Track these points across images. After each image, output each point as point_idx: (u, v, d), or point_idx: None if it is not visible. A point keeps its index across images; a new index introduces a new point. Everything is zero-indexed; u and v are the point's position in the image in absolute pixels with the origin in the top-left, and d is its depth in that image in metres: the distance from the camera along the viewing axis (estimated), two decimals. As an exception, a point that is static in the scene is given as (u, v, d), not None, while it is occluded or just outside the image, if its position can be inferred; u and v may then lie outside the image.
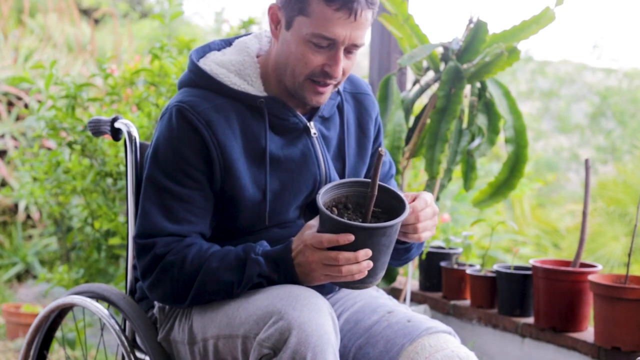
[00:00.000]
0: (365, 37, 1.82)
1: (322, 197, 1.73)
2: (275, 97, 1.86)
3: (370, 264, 1.69)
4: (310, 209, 1.92)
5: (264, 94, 1.87)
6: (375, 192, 1.72)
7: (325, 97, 1.85)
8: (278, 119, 1.87)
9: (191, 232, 1.83)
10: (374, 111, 2.04)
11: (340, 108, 1.97)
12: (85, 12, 9.55)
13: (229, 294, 1.78)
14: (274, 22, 1.84)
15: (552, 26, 2.98)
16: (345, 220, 1.68)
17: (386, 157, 2.08)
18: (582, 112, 11.38)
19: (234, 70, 1.87)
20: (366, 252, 1.68)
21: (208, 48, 1.96)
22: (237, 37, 1.99)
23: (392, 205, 1.77)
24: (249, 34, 2.00)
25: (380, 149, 1.71)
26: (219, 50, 1.96)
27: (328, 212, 1.69)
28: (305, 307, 1.66)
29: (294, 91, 1.84)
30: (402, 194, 1.78)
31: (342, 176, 1.96)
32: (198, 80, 1.88)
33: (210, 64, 1.89)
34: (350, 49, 1.80)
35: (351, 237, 1.67)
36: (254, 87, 1.87)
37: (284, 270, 1.76)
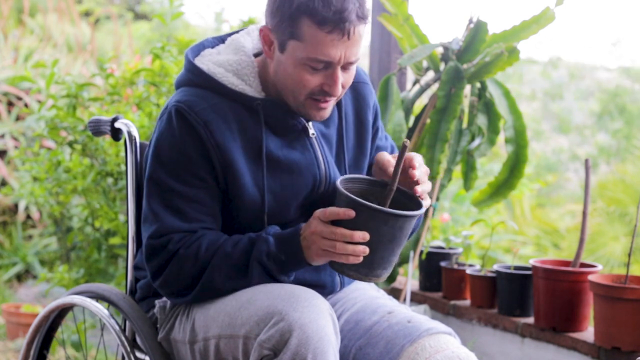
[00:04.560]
0: (361, 51, 1.82)
1: (341, 184, 1.76)
2: (273, 99, 1.86)
3: (366, 250, 1.70)
4: (311, 208, 1.91)
5: (262, 94, 1.87)
6: (395, 187, 1.74)
7: (328, 111, 1.85)
8: (276, 121, 1.87)
9: (202, 229, 1.84)
10: (372, 99, 2.03)
11: (338, 102, 1.96)
12: (85, 13, 9.54)
13: (240, 277, 1.78)
14: (267, 43, 1.83)
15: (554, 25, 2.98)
16: (352, 196, 1.70)
17: (387, 142, 2.09)
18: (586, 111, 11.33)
19: (232, 70, 1.87)
20: (363, 235, 1.69)
21: (202, 46, 1.95)
22: (230, 35, 1.98)
23: (408, 206, 1.78)
24: (241, 29, 1.98)
25: (404, 140, 1.71)
26: (212, 47, 1.95)
27: (341, 188, 1.72)
28: (306, 309, 1.66)
29: (296, 109, 1.84)
30: (419, 196, 1.79)
31: (341, 169, 1.96)
32: (196, 79, 1.88)
33: (208, 63, 1.89)
34: (346, 66, 1.80)
35: (352, 213, 1.69)
36: (252, 87, 1.86)
37: (291, 248, 1.77)
